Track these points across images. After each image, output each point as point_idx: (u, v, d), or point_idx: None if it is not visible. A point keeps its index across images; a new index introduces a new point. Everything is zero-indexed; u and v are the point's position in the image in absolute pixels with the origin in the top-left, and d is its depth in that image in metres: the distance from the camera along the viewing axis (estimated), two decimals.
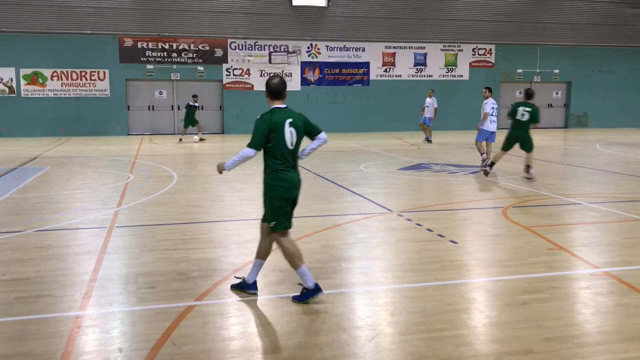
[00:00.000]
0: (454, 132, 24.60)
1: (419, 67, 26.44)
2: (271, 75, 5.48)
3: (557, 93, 28.39)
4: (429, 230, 7.28)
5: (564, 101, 28.49)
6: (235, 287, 5.12)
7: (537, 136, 21.79)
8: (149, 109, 25.11)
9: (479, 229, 7.54)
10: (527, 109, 11.75)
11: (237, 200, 9.54)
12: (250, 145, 4.78)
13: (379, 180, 11.86)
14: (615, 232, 7.35)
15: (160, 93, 25.07)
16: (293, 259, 4.85)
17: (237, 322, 4.46)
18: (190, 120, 20.99)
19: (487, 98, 13.96)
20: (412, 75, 26.43)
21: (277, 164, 4.79)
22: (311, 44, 25.46)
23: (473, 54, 26.84)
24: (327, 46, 25.53)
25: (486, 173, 12.01)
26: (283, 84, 4.88)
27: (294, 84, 25.44)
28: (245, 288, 5.04)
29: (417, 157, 15.89)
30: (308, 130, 4.95)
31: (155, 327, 4.28)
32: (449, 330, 4.24)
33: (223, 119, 25.32)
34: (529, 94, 12.11)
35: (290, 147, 4.80)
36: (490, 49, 26.96)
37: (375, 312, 4.65)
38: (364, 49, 25.80)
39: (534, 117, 11.69)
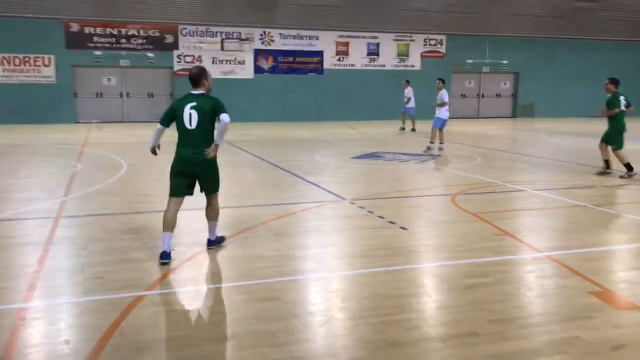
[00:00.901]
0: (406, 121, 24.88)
1: (372, 57, 26.63)
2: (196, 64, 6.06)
3: (505, 83, 29.13)
4: (380, 217, 7.39)
5: (512, 91, 29.27)
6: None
7: (486, 125, 22.32)
8: (97, 96, 24.47)
9: (429, 215, 7.70)
10: (623, 97, 11.09)
11: None
12: (162, 118, 5.67)
13: (333, 169, 11.93)
14: (558, 218, 7.64)
15: (109, 80, 24.45)
16: (163, 222, 5.55)
17: (188, 311, 4.44)
18: None
19: (441, 89, 14.23)
20: (366, 65, 26.61)
21: (178, 140, 5.59)
22: (264, 32, 25.28)
23: (425, 45, 27.22)
24: (280, 34, 25.40)
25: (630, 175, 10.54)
26: (198, 73, 5.58)
27: (247, 72, 25.25)
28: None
29: (370, 146, 16.04)
30: (213, 113, 5.50)
31: (104, 317, 4.21)
32: (398, 314, 4.33)
33: None
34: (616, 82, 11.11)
35: (188, 126, 5.47)
36: (442, 40, 27.40)
37: (327, 298, 4.71)
38: (317, 38, 25.79)
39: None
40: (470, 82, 28.60)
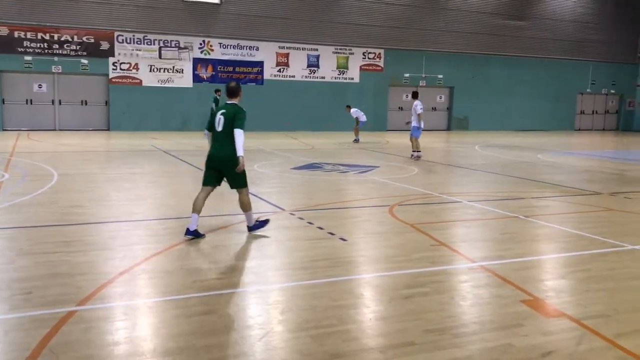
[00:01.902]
0: (345, 132, 25.18)
1: (312, 69, 26.82)
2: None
3: (440, 97, 29.98)
4: (319, 228, 7.42)
5: (447, 105, 30.15)
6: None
7: (423, 138, 22.95)
8: (27, 103, 23.48)
9: (367, 226, 7.79)
10: None
11: (123, 200, 9.18)
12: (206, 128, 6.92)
13: (273, 179, 11.90)
14: (492, 228, 7.90)
15: (40, 86, 23.52)
16: (193, 204, 6.72)
17: (122, 327, 4.30)
18: None
19: (415, 100, 16.31)
20: (306, 77, 26.77)
21: (212, 141, 6.77)
22: (204, 41, 25.03)
23: (363, 58, 27.67)
24: (220, 43, 25.21)
25: None
26: (236, 87, 6.92)
27: (185, 81, 24.90)
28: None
29: (310, 156, 16.11)
30: (235, 122, 6.57)
31: (32, 335, 4.02)
32: (337, 326, 4.34)
33: (109, 115, 24.21)
34: None
35: (217, 128, 6.65)
36: (380, 53, 27.93)
37: (266, 311, 4.67)
38: (257, 48, 25.76)
39: None
40: (407, 96, 29.22)
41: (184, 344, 3.98)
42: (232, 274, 5.55)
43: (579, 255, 6.54)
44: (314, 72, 26.91)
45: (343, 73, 27.37)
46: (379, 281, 5.53)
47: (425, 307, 4.75)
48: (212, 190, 6.87)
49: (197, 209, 6.67)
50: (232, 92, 6.87)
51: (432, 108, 29.73)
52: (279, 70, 26.28)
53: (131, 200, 9.17)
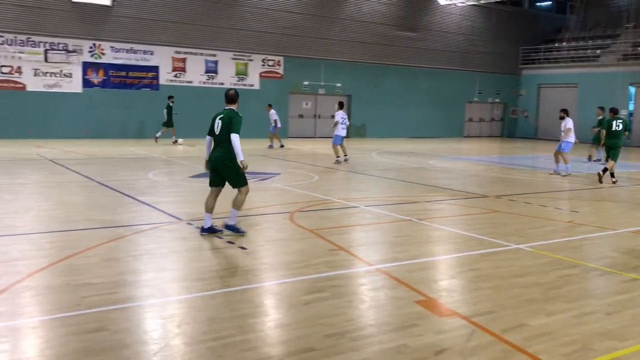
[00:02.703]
0: (245, 140, 24.92)
1: (210, 74, 26.40)
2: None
3: None
4: (219, 237, 7.28)
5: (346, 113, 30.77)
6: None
7: (322, 145, 23.17)
8: None
9: (268, 234, 7.76)
10: (619, 121, 14.43)
11: (4, 212, 8.52)
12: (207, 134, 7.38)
13: (169, 188, 11.55)
14: (387, 232, 8.13)
15: None
16: (205, 206, 7.38)
17: (1, 350, 3.96)
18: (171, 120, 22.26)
19: (338, 110, 17.33)
20: (204, 82, 26.30)
21: (214, 144, 7.29)
22: (94, 44, 23.87)
23: (263, 65, 27.63)
24: (112, 47, 24.17)
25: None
26: (235, 95, 7.36)
27: (74, 86, 23.62)
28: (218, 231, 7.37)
29: None
30: (231, 127, 7.08)
31: None
32: (236, 336, 4.26)
33: None
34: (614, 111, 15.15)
35: (216, 132, 7.16)
36: (279, 61, 28.02)
37: (162, 325, 4.50)
38: (152, 53, 24.97)
39: (626, 127, 14.51)
40: (307, 104, 29.56)
41: None
42: (124, 288, 5.29)
43: (469, 255, 6.88)
44: (213, 78, 26.49)
45: (243, 79, 27.17)
46: (279, 288, 5.50)
47: (325, 312, 4.78)
48: (219, 191, 7.47)
49: (208, 209, 7.34)
50: (230, 99, 7.35)
51: (332, 116, 30.22)
52: (176, 76, 25.62)
53: (13, 212, 8.53)
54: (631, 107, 30.61)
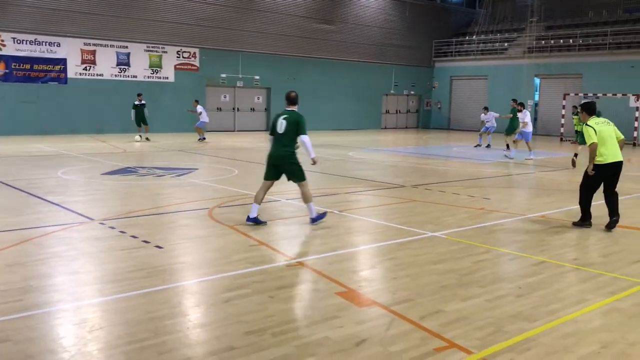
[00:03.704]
0: (161, 134, 24.29)
1: (122, 67, 25.40)
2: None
3: (258, 98, 30.30)
4: (133, 237, 7.01)
5: (265, 106, 30.57)
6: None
7: (242, 138, 22.94)
8: None
9: (185, 231, 7.55)
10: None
11: None
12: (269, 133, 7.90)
13: (80, 187, 11.01)
14: (308, 225, 8.11)
15: None
16: (255, 197, 7.87)
17: None
18: (141, 118, 21.60)
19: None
20: (115, 75, 25.27)
21: (273, 142, 7.78)
22: None
23: (178, 57, 26.90)
24: (14, 38, 22.72)
25: None
26: (296, 97, 7.94)
27: None
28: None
29: (122, 161, 15.22)
30: (296, 129, 7.67)
31: None
32: (153, 338, 4.11)
33: None
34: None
35: (279, 131, 7.65)
36: (195, 53, 27.39)
37: (73, 332, 4.26)
38: (59, 45, 23.70)
39: None
40: (225, 96, 29.10)
41: None
42: (30, 295, 4.97)
43: (387, 244, 7.00)
44: (125, 71, 25.50)
45: (157, 72, 26.34)
46: (197, 287, 5.36)
47: (245, 309, 4.70)
48: (271, 185, 7.94)
49: (257, 200, 7.76)
50: (292, 101, 7.86)
51: (251, 109, 29.97)
52: (85, 69, 24.45)
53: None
54: (536, 97, 32.32)
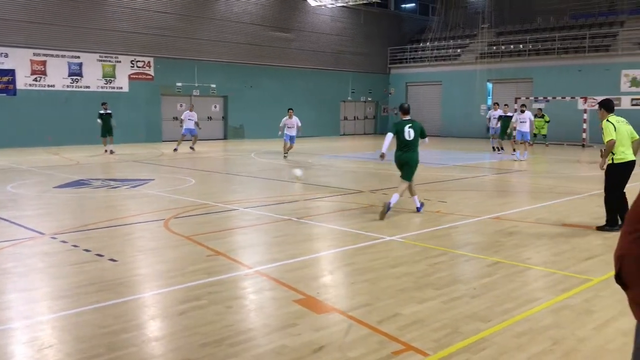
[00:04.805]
0: (116, 145, 23.78)
1: (74, 77, 24.82)
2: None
3: (215, 106, 30.06)
4: (86, 250, 6.83)
5: (222, 114, 30.34)
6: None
7: (199, 147, 22.70)
8: None
9: (140, 243, 7.40)
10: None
11: None
12: (390, 131, 9.42)
13: (31, 200, 10.69)
14: (267, 233, 8.08)
15: None
16: (406, 190, 9.35)
17: None
18: (108, 129, 20.82)
19: (291, 117, 19.74)
20: (68, 86, 24.67)
21: (398, 147, 9.32)
22: None
23: (132, 66, 26.46)
24: None
25: None
26: (409, 108, 9.58)
27: None
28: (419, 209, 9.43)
29: (75, 173, 14.85)
30: (421, 133, 9.34)
31: None
32: (105, 354, 4.00)
33: None
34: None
35: (407, 138, 9.18)
36: (149, 62, 26.99)
37: (20, 351, 4.11)
38: (7, 55, 23.00)
39: None
40: (181, 105, 28.74)
41: None
42: None
43: (346, 250, 7.03)
44: (77, 82, 24.92)
45: (110, 82, 25.84)
46: (152, 300, 5.26)
47: (201, 320, 4.63)
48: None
49: (414, 193, 9.38)
50: (407, 111, 9.51)
51: (208, 117, 29.68)
52: (35, 79, 23.80)
53: None
54: (489, 102, 33.08)
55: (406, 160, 9.20)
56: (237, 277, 5.94)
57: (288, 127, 19.97)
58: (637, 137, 7.94)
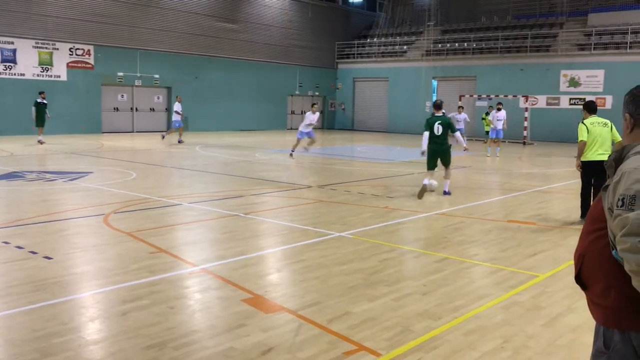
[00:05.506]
0: (53, 136, 22.77)
1: (8, 64, 23.59)
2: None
3: (158, 97, 29.26)
4: (19, 247, 6.42)
5: (166, 106, 29.57)
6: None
7: (141, 140, 22.07)
8: None
9: (78, 240, 7.03)
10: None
11: None
12: (424, 129, 10.50)
13: None
14: (212, 229, 7.84)
15: None
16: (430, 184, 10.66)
17: None
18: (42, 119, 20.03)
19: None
20: (0, 73, 23.43)
21: (430, 140, 10.43)
22: None
23: (71, 54, 25.38)
24: None
25: None
26: (442, 104, 10.77)
27: None
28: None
29: (8, 164, 14.08)
30: (450, 128, 10.54)
31: None
32: (39, 359, 3.72)
33: None
34: None
35: (437, 133, 10.35)
36: (89, 50, 25.97)
37: None
38: None
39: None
40: (122, 96, 27.84)
41: None
42: None
43: (295, 247, 6.88)
44: (11, 69, 23.70)
45: (47, 70, 24.70)
46: (91, 300, 4.97)
47: (144, 322, 4.40)
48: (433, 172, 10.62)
49: (434, 178, 10.73)
50: (439, 106, 10.59)
51: (151, 109, 28.88)
52: None
53: None
54: (434, 98, 33.60)
55: (440, 152, 10.51)
56: (181, 275, 5.71)
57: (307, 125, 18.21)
58: (619, 139, 8.26)
